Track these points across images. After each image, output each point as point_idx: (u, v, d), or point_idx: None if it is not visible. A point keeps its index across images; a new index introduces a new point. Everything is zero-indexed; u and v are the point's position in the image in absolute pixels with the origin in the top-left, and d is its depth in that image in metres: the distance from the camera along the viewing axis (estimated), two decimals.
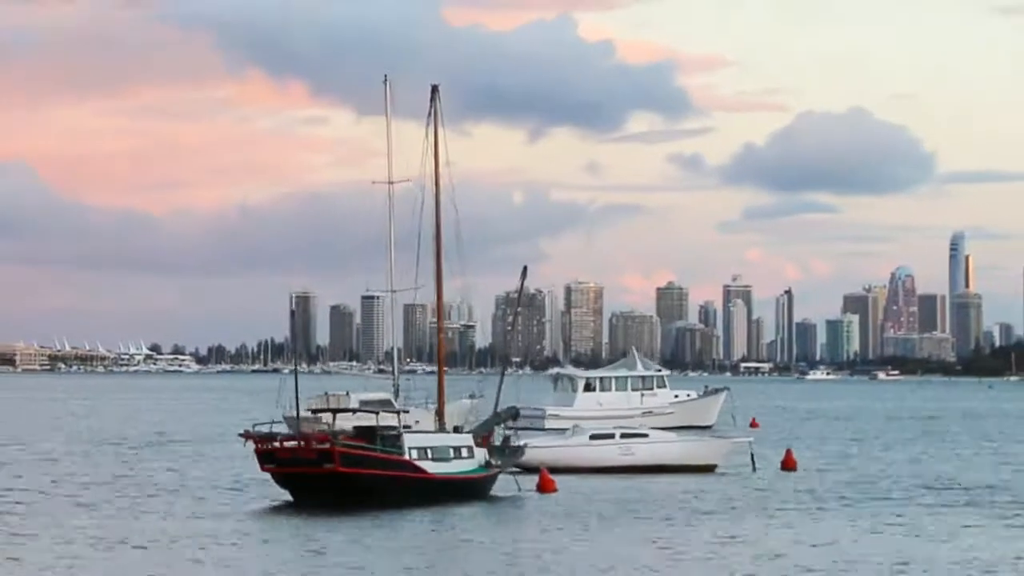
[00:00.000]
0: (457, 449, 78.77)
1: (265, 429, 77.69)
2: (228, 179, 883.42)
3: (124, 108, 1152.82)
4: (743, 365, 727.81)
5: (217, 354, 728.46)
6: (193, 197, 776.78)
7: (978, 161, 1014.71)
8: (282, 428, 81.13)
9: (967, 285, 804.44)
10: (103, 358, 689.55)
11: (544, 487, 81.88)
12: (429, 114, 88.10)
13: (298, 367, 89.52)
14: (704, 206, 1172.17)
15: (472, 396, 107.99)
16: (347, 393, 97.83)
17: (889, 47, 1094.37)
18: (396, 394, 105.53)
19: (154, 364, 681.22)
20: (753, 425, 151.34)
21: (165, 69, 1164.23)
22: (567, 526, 67.72)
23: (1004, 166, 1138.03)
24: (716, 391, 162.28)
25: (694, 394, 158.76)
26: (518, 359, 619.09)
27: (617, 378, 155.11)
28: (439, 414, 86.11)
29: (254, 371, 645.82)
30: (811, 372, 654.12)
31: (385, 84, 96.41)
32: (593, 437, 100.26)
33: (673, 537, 64.40)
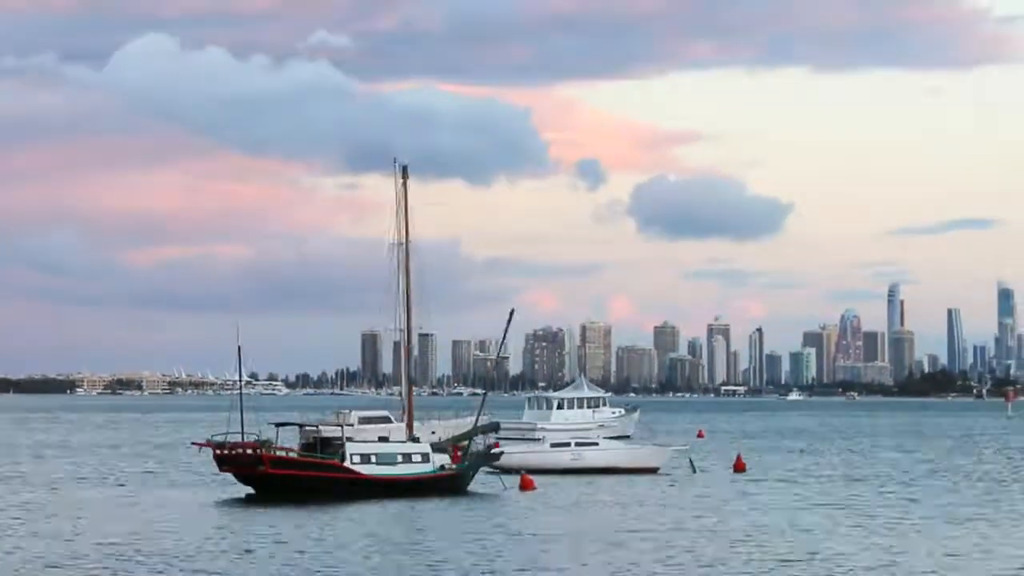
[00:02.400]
0: (407, 455, 77.25)
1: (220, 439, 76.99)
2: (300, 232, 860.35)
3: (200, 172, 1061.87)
4: (723, 388, 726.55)
5: (303, 380, 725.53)
6: (275, 249, 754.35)
7: (904, 219, 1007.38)
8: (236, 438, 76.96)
9: (902, 324, 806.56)
10: (212, 383, 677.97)
11: (525, 486, 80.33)
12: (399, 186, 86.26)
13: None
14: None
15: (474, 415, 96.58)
16: (350, 411, 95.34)
17: None
18: (404, 412, 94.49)
19: (252, 388, 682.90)
20: (700, 435, 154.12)
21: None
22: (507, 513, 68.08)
23: (932, 219, 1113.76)
24: (633, 409, 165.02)
25: (621, 411, 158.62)
26: (543, 384, 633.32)
27: (579, 398, 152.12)
28: (408, 427, 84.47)
29: (332, 394, 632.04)
30: (790, 394, 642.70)
31: (395, 165, 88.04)
32: (552, 445, 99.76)
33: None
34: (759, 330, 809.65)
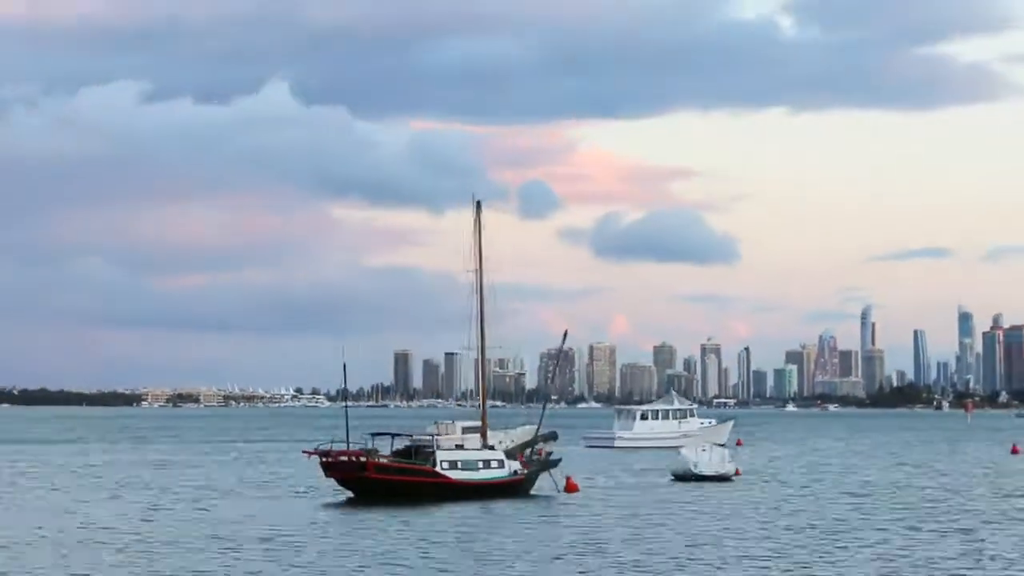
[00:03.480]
0: (487, 462, 76.60)
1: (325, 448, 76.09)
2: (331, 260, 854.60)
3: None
4: (715, 400, 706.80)
5: (341, 394, 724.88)
6: (317, 275, 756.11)
7: (875, 248, 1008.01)
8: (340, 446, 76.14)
9: (873, 343, 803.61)
10: (261, 397, 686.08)
11: (569, 489, 79.44)
12: (475, 222, 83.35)
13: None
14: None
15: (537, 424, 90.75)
16: (453, 421, 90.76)
17: None
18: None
19: (297, 401, 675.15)
20: (739, 443, 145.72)
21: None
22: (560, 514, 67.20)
23: (898, 247, 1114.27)
24: (726, 420, 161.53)
25: (714, 422, 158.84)
26: (556, 397, 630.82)
27: (662, 410, 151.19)
28: (483, 435, 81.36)
29: (368, 406, 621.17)
30: (787, 406, 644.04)
31: (474, 203, 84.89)
32: None
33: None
34: (747, 349, 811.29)
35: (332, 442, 75.36)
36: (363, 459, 72.95)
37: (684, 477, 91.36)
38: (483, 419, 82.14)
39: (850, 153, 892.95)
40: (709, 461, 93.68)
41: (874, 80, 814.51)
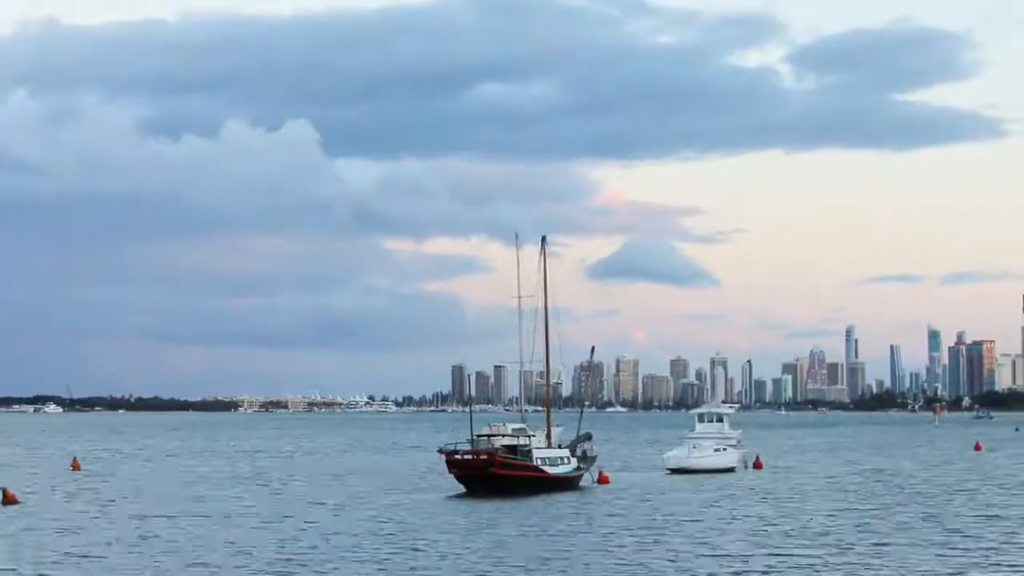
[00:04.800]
0: (562, 458, 76.18)
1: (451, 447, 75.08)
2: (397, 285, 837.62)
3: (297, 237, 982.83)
4: (723, 405, 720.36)
5: (407, 400, 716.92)
6: (377, 298, 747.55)
7: (866, 272, 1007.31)
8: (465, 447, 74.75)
9: (856, 356, 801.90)
10: (339, 403, 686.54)
11: (601, 481, 79.54)
12: (541, 256, 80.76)
13: (466, 411, 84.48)
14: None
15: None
16: (504, 424, 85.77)
17: None
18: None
19: (369, 407, 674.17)
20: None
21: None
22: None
23: (885, 271, 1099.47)
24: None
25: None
26: (587, 402, 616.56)
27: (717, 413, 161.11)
28: (548, 437, 78.95)
29: (431, 411, 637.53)
30: (780, 410, 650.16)
31: (542, 242, 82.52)
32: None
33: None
34: (749, 361, 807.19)
35: (456, 443, 75.82)
36: (490, 457, 71.88)
37: (679, 471, 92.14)
38: (548, 422, 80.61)
39: (836, 189, 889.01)
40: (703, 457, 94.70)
41: (861, 123, 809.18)
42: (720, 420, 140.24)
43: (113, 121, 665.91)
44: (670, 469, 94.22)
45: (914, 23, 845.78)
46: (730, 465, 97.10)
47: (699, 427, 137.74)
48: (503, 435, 75.62)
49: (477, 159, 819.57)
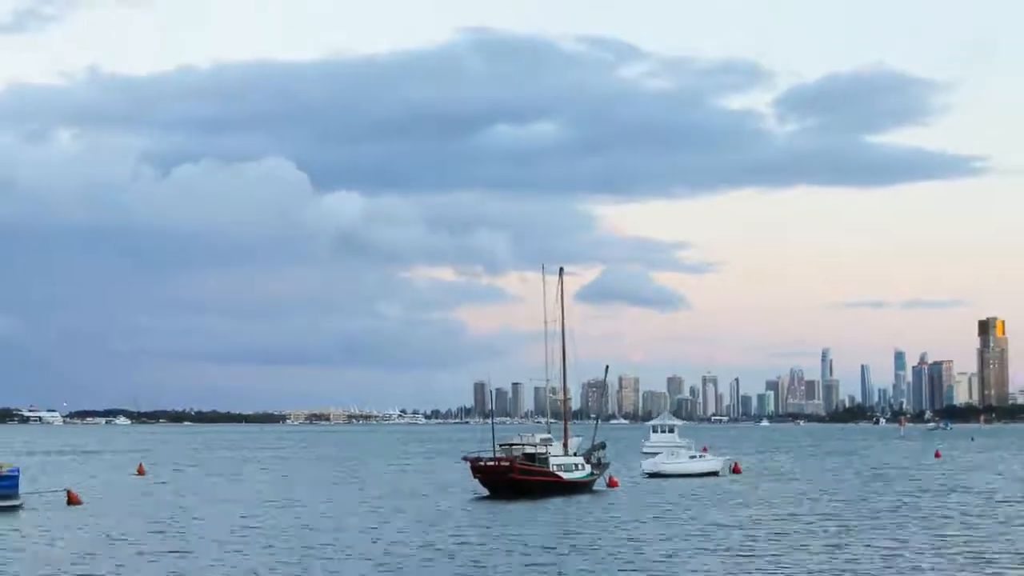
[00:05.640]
0: (576, 465, 74.68)
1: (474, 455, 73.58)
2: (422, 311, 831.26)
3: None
4: (713, 418, 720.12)
5: (435, 413, 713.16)
6: (402, 322, 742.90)
7: (840, 298, 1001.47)
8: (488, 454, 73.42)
9: (831, 375, 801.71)
10: (375, 416, 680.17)
11: (611, 484, 78.31)
12: (558, 285, 77.83)
13: (489, 423, 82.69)
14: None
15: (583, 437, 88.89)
16: (533, 434, 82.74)
17: None
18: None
19: (402, 419, 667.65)
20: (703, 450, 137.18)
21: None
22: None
23: (851, 298, 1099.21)
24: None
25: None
26: (594, 415, 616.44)
27: (665, 424, 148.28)
28: (565, 445, 77.45)
29: (455, 423, 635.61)
30: (761, 421, 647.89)
31: (559, 275, 79.32)
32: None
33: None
34: (736, 379, 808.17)
35: (480, 451, 74.40)
36: (511, 464, 71.09)
37: (655, 475, 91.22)
38: (565, 434, 79.27)
39: (812, 223, 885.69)
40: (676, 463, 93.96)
41: (834, 162, 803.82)
42: (671, 431, 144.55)
43: (153, 159, 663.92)
44: (647, 473, 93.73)
45: (885, 68, 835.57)
46: (713, 469, 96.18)
47: (653, 437, 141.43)
48: (530, 444, 74.69)
49: (485, 195, 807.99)
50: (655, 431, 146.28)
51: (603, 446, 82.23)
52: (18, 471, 60.75)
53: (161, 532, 48.97)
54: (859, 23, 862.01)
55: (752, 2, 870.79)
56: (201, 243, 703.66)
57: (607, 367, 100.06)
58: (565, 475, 72.98)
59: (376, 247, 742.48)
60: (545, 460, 72.89)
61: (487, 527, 50.70)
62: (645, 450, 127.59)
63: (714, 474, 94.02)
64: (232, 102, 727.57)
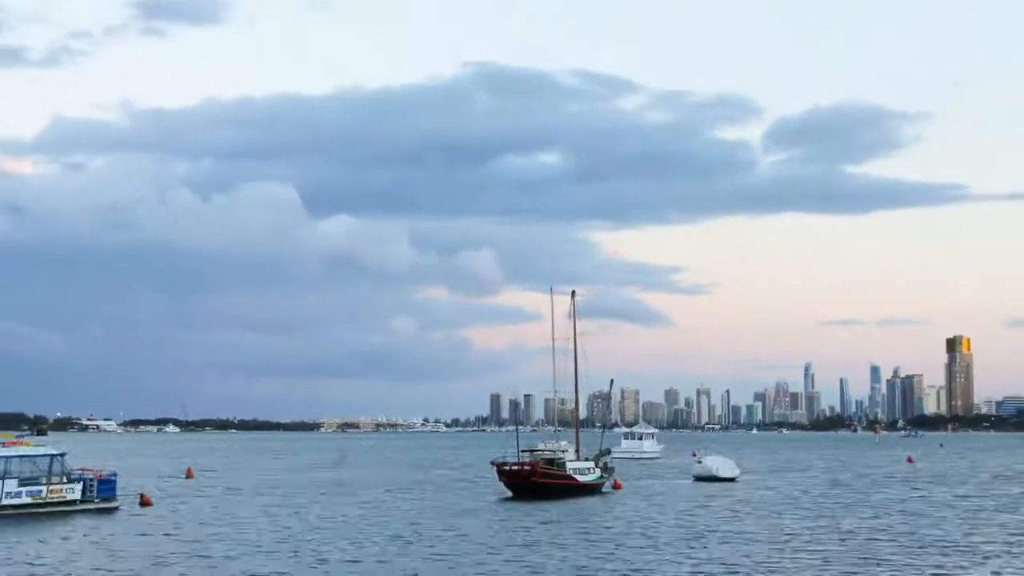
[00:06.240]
0: (589, 468, 74.44)
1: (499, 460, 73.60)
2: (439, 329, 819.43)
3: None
4: (706, 427, 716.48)
5: (455, 422, 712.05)
6: (423, 340, 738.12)
7: (822, 315, 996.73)
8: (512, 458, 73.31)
9: (813, 387, 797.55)
10: (401, 424, 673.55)
11: (615, 487, 77.74)
12: (571, 308, 77.34)
13: (515, 431, 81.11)
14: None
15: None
16: (556, 441, 79.96)
17: None
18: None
19: (424, 427, 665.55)
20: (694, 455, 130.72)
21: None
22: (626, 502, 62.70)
23: (832, 317, 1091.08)
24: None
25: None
26: (599, 424, 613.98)
27: (639, 432, 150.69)
28: (577, 451, 77.16)
29: (473, 431, 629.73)
30: (751, 430, 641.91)
31: (572, 297, 78.87)
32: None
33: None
34: (727, 391, 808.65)
35: (506, 456, 74.34)
36: (533, 468, 70.97)
37: (703, 478, 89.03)
38: (576, 441, 79.08)
39: (796, 248, 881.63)
40: (722, 467, 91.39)
41: (817, 191, 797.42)
42: (641, 439, 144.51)
43: (192, 185, 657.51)
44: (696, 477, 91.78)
45: (864, 102, 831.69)
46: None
47: (624, 444, 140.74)
48: (553, 450, 74.05)
49: (492, 221, 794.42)
50: (626, 438, 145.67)
51: (608, 452, 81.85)
52: (116, 476, 61.11)
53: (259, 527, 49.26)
54: (839, 60, 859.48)
55: (740, 40, 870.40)
56: (227, 263, 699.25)
57: (612, 381, 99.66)
58: (580, 478, 72.67)
59: (389, 268, 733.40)
60: (563, 465, 72.36)
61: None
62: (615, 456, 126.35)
63: (733, 480, 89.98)
64: (256, 131, 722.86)
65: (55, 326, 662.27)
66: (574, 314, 77.33)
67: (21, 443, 57.59)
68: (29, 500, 53.89)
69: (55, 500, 54.92)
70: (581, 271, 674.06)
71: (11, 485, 53.33)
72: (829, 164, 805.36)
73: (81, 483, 56.85)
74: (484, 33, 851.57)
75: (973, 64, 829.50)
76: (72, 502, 55.72)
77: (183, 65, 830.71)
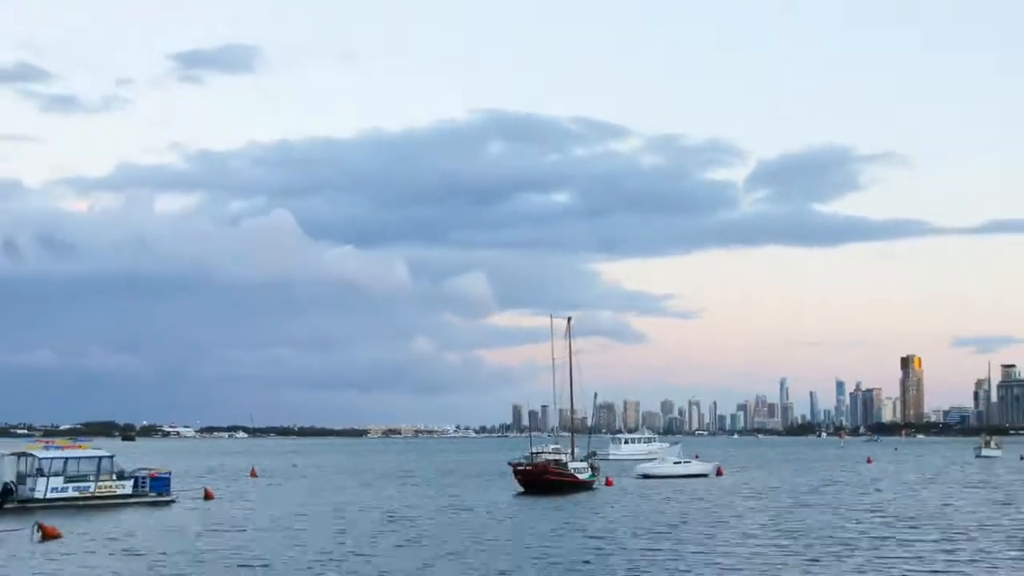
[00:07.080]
0: (584, 468, 73.43)
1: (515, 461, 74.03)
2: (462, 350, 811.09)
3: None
4: (696, 433, 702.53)
5: (483, 429, 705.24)
6: (449, 357, 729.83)
7: (795, 337, 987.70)
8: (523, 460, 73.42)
9: (787, 399, 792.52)
10: (436, 431, 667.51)
11: (607, 483, 76.33)
12: (567, 331, 75.79)
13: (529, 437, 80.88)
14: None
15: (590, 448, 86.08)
16: (559, 444, 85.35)
17: None
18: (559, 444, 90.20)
19: (456, 434, 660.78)
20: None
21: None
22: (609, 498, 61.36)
23: (806, 338, 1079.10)
24: (676, 443, 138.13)
25: (668, 444, 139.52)
26: (590, 431, 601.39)
27: (636, 438, 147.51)
28: (572, 453, 77.63)
29: (497, 436, 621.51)
30: (733, 435, 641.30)
31: (568, 321, 77.44)
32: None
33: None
34: (715, 402, 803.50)
35: (521, 458, 74.55)
36: (543, 467, 70.84)
37: (648, 476, 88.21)
38: (571, 446, 79.86)
39: (774, 277, 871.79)
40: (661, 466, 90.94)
41: (790, 227, 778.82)
42: (628, 444, 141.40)
43: (233, 220, 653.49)
44: (641, 475, 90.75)
45: (832, 145, 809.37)
46: (702, 472, 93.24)
47: (612, 448, 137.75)
48: (557, 452, 75.43)
49: (506, 254, 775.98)
50: (624, 443, 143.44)
51: (595, 454, 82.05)
52: (170, 474, 60.98)
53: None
54: (809, 107, 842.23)
55: (721, 88, 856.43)
56: (269, 290, 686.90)
57: (595, 394, 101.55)
58: (580, 476, 72.10)
59: (412, 294, 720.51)
60: (565, 465, 72.21)
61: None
62: (611, 458, 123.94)
63: (703, 476, 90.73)
64: (294, 171, 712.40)
65: (138, 348, 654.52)
66: (569, 336, 76.76)
67: (76, 447, 57.09)
68: (76, 495, 53.61)
69: (104, 495, 54.59)
70: (585, 297, 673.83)
71: (56, 482, 53.07)
72: (801, 203, 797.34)
73: (132, 480, 56.43)
74: (489, 82, 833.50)
75: (931, 108, 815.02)
76: (124, 496, 55.10)
77: (224, 111, 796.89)
